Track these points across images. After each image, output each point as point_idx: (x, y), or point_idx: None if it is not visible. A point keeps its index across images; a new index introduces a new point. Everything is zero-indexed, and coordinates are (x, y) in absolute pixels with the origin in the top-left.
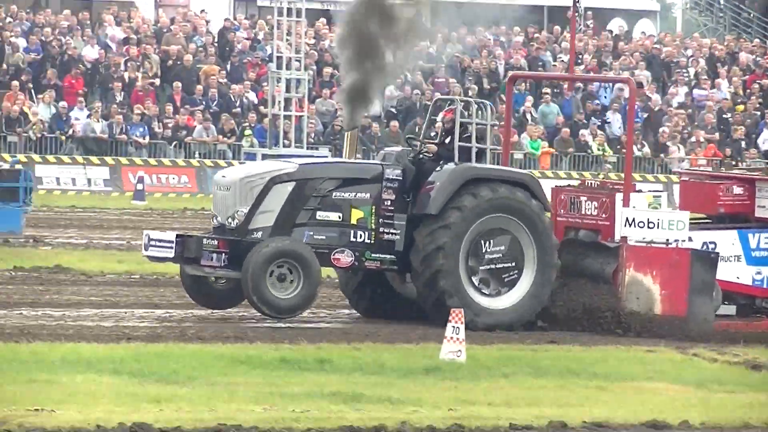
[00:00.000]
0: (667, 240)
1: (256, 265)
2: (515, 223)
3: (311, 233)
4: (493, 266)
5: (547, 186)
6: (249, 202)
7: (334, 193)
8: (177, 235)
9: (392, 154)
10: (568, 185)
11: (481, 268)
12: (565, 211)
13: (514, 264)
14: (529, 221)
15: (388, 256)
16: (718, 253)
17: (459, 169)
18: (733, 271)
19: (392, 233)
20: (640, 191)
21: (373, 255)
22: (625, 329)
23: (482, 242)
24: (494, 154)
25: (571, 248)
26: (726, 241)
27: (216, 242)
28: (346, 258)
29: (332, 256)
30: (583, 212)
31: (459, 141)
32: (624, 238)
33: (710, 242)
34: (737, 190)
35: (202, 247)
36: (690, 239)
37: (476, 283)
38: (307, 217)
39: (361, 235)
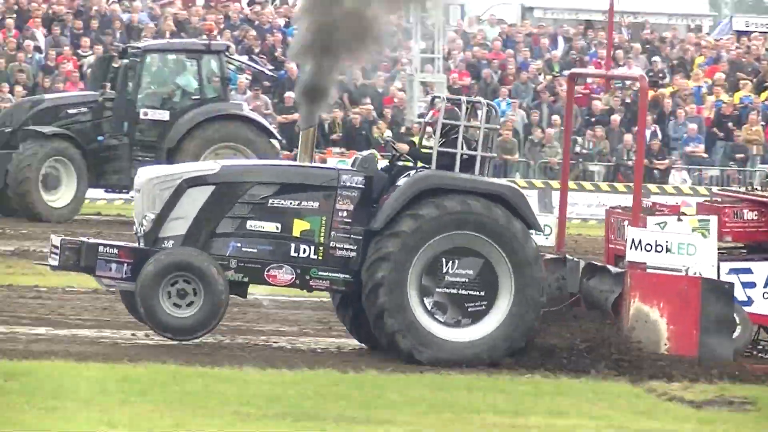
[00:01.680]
0: (682, 266)
1: (146, 281)
2: (491, 246)
3: (238, 245)
4: (454, 291)
5: None
6: (158, 207)
7: (270, 201)
8: (62, 240)
9: (359, 159)
10: (618, 206)
11: (437, 290)
12: (614, 236)
13: (483, 293)
14: (507, 246)
15: (340, 276)
16: (732, 283)
17: (416, 177)
18: None
19: (347, 249)
20: (683, 214)
21: (320, 273)
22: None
23: (444, 261)
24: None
25: (588, 275)
26: None
27: (116, 250)
28: (284, 275)
29: (266, 272)
30: (625, 237)
31: (448, 146)
32: (631, 263)
33: None
34: (750, 215)
35: (97, 255)
36: (750, 271)
37: (428, 307)
38: (233, 226)
39: (305, 250)
